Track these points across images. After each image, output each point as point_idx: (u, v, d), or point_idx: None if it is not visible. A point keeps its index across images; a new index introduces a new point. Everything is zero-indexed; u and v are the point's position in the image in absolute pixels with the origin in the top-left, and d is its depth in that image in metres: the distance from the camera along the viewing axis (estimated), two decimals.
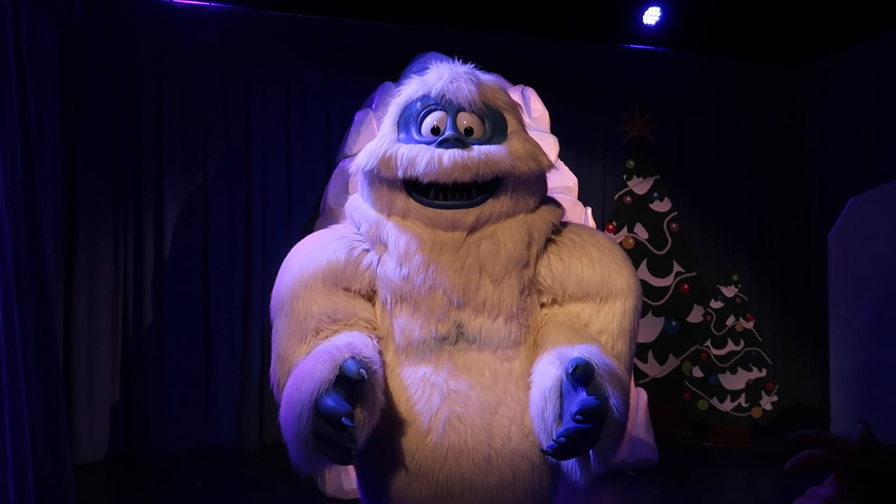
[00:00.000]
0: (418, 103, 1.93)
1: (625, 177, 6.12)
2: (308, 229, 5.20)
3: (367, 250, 1.89)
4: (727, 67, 6.43)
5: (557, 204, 2.01)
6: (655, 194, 6.05)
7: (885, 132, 5.68)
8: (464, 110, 1.89)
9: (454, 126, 1.87)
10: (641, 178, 6.09)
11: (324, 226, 4.53)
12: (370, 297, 1.89)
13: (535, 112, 4.87)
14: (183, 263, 5.16)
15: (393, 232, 1.84)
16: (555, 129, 4.97)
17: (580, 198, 4.97)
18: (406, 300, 1.82)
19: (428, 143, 1.84)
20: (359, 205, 1.96)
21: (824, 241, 4.56)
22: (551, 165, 1.98)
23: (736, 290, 5.53)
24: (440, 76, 1.92)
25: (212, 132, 5.25)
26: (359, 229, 1.93)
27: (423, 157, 1.78)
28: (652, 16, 5.70)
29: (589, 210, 4.92)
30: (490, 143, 1.86)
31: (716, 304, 5.52)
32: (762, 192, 6.59)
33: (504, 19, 5.62)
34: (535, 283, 1.88)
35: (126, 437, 5.01)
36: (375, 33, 5.51)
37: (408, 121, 1.94)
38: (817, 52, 6.26)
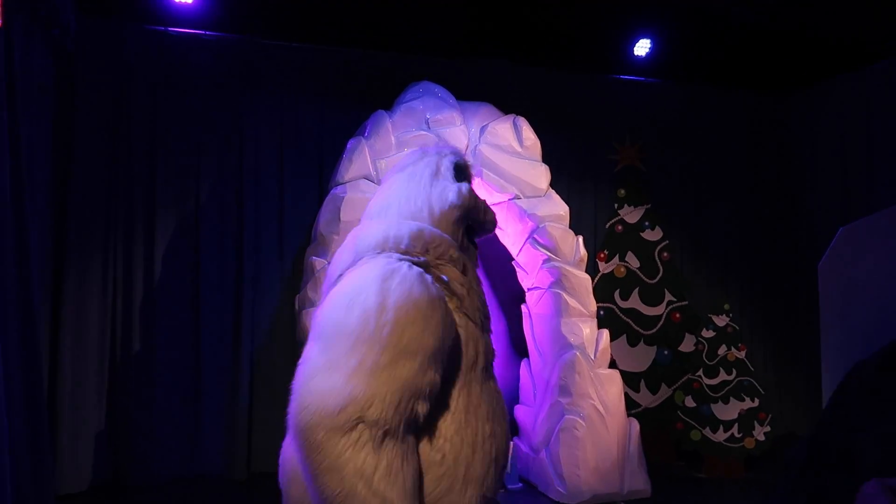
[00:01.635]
0: (465, 168, 2.41)
1: (616, 206, 6.15)
2: (300, 257, 5.20)
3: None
4: (716, 98, 6.51)
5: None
6: (647, 223, 6.08)
7: (873, 161, 5.73)
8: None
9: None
10: (633, 207, 6.12)
11: (315, 253, 4.55)
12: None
13: (526, 141, 4.91)
14: (173, 290, 5.13)
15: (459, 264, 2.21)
16: (546, 158, 5.01)
17: (571, 226, 4.98)
18: (486, 319, 2.18)
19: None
20: (438, 235, 2.17)
21: (814, 271, 4.58)
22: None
23: (727, 319, 5.52)
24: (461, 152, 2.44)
25: (204, 159, 5.26)
26: (421, 258, 2.09)
27: (490, 209, 2.44)
28: (642, 47, 5.78)
29: (580, 239, 4.93)
30: None
31: (707, 334, 5.51)
32: (752, 221, 6.63)
33: (496, 49, 5.69)
34: None
35: (112, 466, 4.92)
36: (368, 62, 5.57)
37: (461, 178, 2.38)
38: (805, 83, 6.35)
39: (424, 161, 2.23)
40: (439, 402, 1.92)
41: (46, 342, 4.64)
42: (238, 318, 5.21)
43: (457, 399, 1.97)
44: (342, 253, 2.11)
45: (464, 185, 2.26)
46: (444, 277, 2.05)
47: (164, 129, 5.15)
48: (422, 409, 1.81)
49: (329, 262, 2.17)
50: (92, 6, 4.82)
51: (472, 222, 2.22)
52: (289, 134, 5.43)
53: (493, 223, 2.29)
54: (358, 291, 1.88)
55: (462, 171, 2.34)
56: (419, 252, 2.05)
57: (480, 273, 2.39)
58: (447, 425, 1.93)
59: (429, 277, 1.92)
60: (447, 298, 2.00)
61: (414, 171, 2.18)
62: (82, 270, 4.91)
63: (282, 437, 5.04)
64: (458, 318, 2.04)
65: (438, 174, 2.19)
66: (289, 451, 2.06)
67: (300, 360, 1.89)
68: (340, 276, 2.02)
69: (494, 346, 2.30)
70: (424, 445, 1.89)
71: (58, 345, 4.75)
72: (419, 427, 1.82)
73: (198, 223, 5.22)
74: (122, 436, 4.94)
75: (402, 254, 2.00)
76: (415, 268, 1.96)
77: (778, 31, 5.37)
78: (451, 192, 2.10)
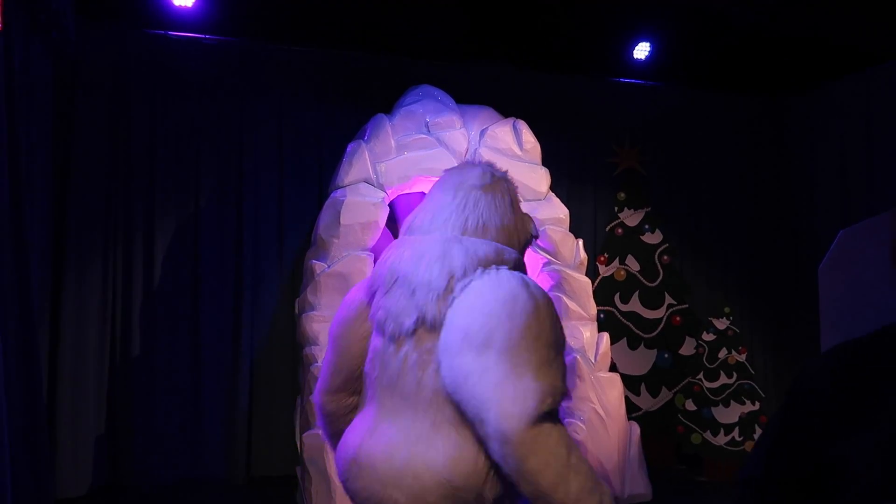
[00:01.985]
0: None
1: (616, 209, 6.15)
2: (299, 260, 5.19)
3: None
4: (716, 101, 6.51)
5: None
6: (647, 226, 6.07)
7: (872, 164, 5.73)
8: None
9: None
10: (633, 210, 6.12)
11: (314, 256, 4.55)
12: None
13: (526, 144, 4.91)
14: (172, 294, 5.12)
15: None
16: (546, 162, 5.00)
17: (571, 230, 4.97)
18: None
19: None
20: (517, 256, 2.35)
21: (815, 273, 4.58)
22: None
23: (728, 322, 5.52)
24: None
25: (204, 162, 5.26)
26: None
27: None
28: (642, 51, 5.78)
29: (580, 242, 4.93)
30: None
31: (708, 337, 5.51)
32: (752, 224, 6.63)
33: (496, 52, 5.69)
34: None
35: (111, 470, 4.91)
36: (368, 65, 5.57)
37: None
38: (805, 86, 6.35)
39: (501, 187, 2.37)
40: None
41: (46, 345, 4.63)
42: (237, 322, 5.20)
43: None
44: (442, 262, 2.13)
45: (535, 219, 2.53)
46: None
47: (163, 132, 5.15)
48: None
49: (393, 265, 2.18)
50: (91, 10, 4.82)
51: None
52: (288, 137, 5.43)
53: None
54: (512, 299, 2.00)
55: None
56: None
57: None
58: None
59: None
60: None
61: (494, 196, 2.31)
62: (82, 273, 4.90)
63: (281, 440, 5.07)
64: None
65: (514, 204, 2.38)
66: (350, 451, 2.11)
67: (466, 374, 1.92)
68: (449, 283, 2.08)
69: None
70: None
71: (57, 348, 4.75)
72: None
73: (197, 226, 5.22)
74: (122, 439, 4.93)
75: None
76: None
77: (777, 35, 5.37)
78: (529, 225, 2.34)
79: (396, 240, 2.36)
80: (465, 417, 1.95)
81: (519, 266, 2.23)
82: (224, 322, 5.20)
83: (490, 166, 2.46)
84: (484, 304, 2.00)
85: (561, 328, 2.02)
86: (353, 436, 2.14)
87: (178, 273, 5.16)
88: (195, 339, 5.17)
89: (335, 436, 2.32)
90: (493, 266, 2.14)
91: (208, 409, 5.16)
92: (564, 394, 1.96)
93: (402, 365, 2.09)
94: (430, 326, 2.06)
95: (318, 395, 2.36)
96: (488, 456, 1.90)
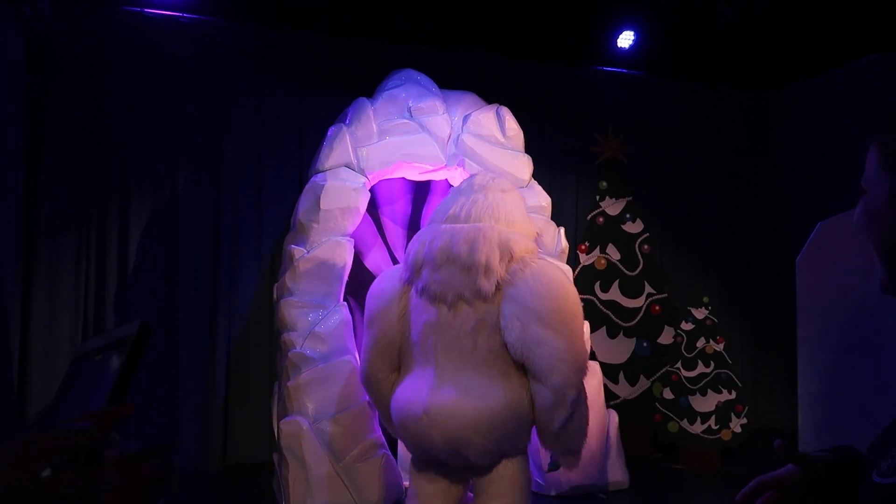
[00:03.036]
0: None
1: (597, 197, 6.14)
2: (278, 245, 5.12)
3: None
4: (699, 92, 6.53)
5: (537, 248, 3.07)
6: (628, 215, 6.08)
7: (850, 158, 5.78)
8: None
9: None
10: (614, 199, 6.12)
11: (294, 241, 4.49)
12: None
13: (509, 131, 4.86)
14: (148, 280, 5.03)
15: None
16: (528, 149, 4.97)
17: (553, 218, 4.96)
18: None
19: None
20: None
21: (793, 265, 4.61)
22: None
23: (706, 312, 5.55)
24: None
25: (181, 145, 5.15)
26: None
27: None
28: (626, 39, 5.76)
29: (562, 230, 4.91)
30: None
31: (687, 326, 5.54)
32: (731, 215, 6.67)
33: (479, 39, 5.64)
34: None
35: None
36: (350, 49, 5.49)
37: None
38: (786, 79, 6.39)
39: (517, 193, 3.00)
40: None
41: (17, 335, 4.53)
42: (215, 307, 5.13)
43: None
44: (486, 244, 2.66)
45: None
46: None
47: (139, 113, 5.03)
48: None
49: (440, 246, 2.72)
50: None
51: None
52: (269, 120, 5.35)
53: None
54: (561, 285, 2.71)
55: None
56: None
57: None
58: None
59: None
60: None
61: (514, 199, 2.91)
62: (54, 259, 4.80)
63: (258, 427, 5.02)
64: None
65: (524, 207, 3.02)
66: (418, 408, 2.66)
67: (538, 342, 2.58)
68: (503, 264, 2.67)
69: None
70: None
71: (28, 338, 4.65)
72: None
73: (174, 211, 5.12)
74: None
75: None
76: None
77: (760, 27, 5.38)
78: (534, 225, 2.98)
79: (436, 226, 2.84)
80: (514, 370, 2.65)
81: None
82: (201, 307, 5.12)
83: (504, 176, 3.18)
84: (547, 288, 2.65)
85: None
86: (415, 395, 2.68)
87: (154, 258, 5.06)
88: (171, 324, 5.09)
89: (385, 406, 2.90)
90: (533, 254, 2.77)
91: (184, 395, 5.09)
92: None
93: (459, 330, 2.64)
94: (484, 298, 2.63)
95: (365, 377, 2.91)
96: (529, 396, 2.66)
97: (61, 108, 4.82)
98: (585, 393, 2.76)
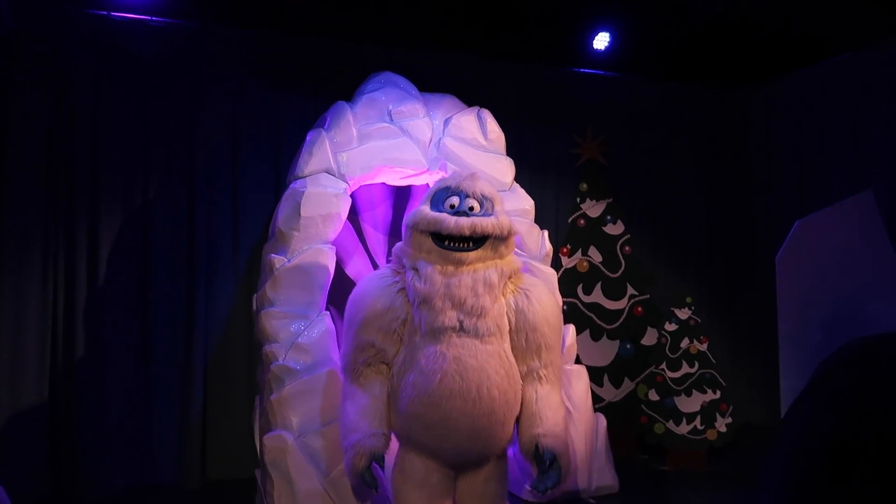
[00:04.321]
0: (444, 191, 3.25)
1: (578, 199, 6.12)
2: (256, 254, 4.98)
3: (402, 288, 3.18)
4: (675, 92, 6.54)
5: (518, 259, 3.37)
6: (608, 217, 6.06)
7: (827, 155, 5.84)
8: (469, 196, 3.21)
9: (463, 204, 3.19)
10: (595, 201, 6.10)
11: (273, 250, 4.36)
12: (399, 332, 3.17)
13: (491, 134, 4.81)
14: (119, 291, 4.84)
15: (421, 263, 3.14)
16: (509, 152, 4.92)
17: (535, 221, 4.90)
18: (427, 302, 3.06)
19: (448, 214, 3.14)
20: (402, 245, 3.31)
21: (772, 263, 4.63)
22: (516, 232, 3.31)
23: (689, 312, 5.55)
24: (459, 176, 3.29)
25: (152, 152, 4.98)
26: (399, 262, 3.27)
27: (447, 220, 3.09)
28: (601, 41, 5.74)
29: (545, 233, 4.87)
30: (483, 217, 3.15)
31: (670, 327, 5.53)
32: (711, 214, 6.70)
33: (457, 41, 5.57)
34: (502, 303, 3.18)
35: (54, 479, 4.62)
36: (328, 51, 5.37)
37: (437, 201, 3.23)
38: (762, 78, 6.44)
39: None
40: None
41: None
42: (191, 320, 4.95)
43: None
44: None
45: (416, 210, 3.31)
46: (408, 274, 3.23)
47: (107, 119, 4.85)
48: None
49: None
50: None
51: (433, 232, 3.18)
52: (243, 125, 5.19)
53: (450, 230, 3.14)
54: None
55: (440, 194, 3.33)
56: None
57: None
58: None
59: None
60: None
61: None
62: (18, 270, 4.60)
63: (238, 442, 4.87)
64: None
65: (422, 201, 3.30)
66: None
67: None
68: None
69: None
70: None
71: None
72: None
73: (146, 219, 4.95)
74: (66, 445, 4.65)
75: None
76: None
77: (735, 26, 5.40)
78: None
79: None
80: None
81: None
82: (176, 320, 4.95)
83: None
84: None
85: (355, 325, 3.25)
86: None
87: (126, 269, 4.88)
88: (145, 338, 4.91)
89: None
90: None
91: (160, 411, 4.92)
92: None
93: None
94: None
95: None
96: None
97: (24, 114, 4.62)
98: (343, 392, 3.36)
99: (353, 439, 3.09)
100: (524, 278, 3.33)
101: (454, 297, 3.04)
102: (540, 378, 3.21)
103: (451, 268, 3.09)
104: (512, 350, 3.18)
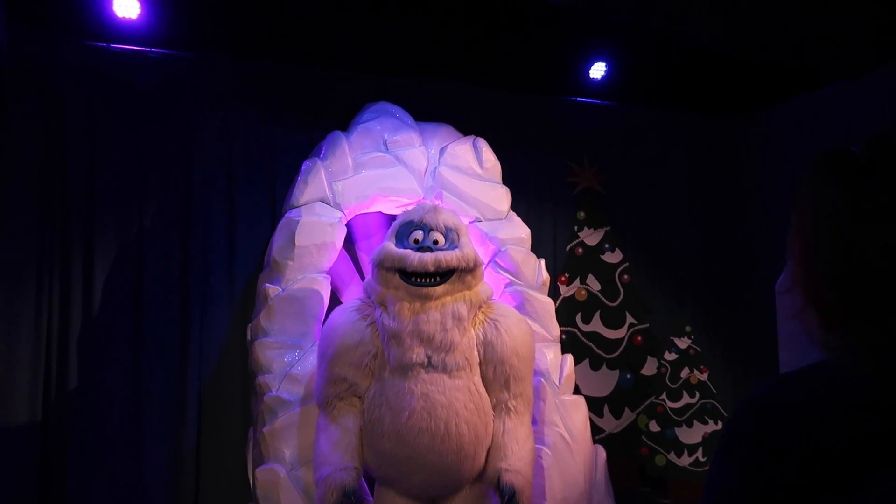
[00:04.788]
0: (407, 225, 3.33)
1: (576, 228, 6.10)
2: (251, 284, 4.95)
3: (372, 322, 3.25)
4: (671, 121, 6.56)
5: (487, 287, 3.47)
6: (606, 245, 6.04)
7: None
8: (433, 229, 3.28)
9: (427, 239, 3.28)
10: (592, 230, 6.08)
11: (268, 280, 4.33)
12: (371, 366, 3.21)
13: (486, 163, 4.81)
14: (113, 320, 4.80)
15: (389, 299, 3.20)
16: (505, 180, 4.92)
17: (532, 249, 4.88)
18: (396, 338, 3.10)
19: (413, 249, 3.21)
20: (370, 282, 3.37)
21: (772, 292, 4.60)
22: (482, 262, 3.43)
23: (689, 341, 5.50)
24: (422, 210, 3.35)
25: (148, 181, 4.97)
26: (369, 297, 3.34)
27: (411, 257, 3.15)
28: (598, 70, 5.79)
29: (542, 262, 4.84)
30: (447, 251, 3.23)
31: (670, 356, 5.48)
32: (708, 242, 6.66)
33: (453, 70, 5.61)
34: (471, 335, 3.24)
35: None
36: (323, 81, 5.40)
37: (401, 236, 3.31)
38: (757, 106, 6.46)
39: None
40: None
41: None
42: (185, 350, 4.90)
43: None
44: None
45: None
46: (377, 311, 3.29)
47: (104, 148, 4.85)
48: None
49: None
50: (27, 19, 4.54)
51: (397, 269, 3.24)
52: (239, 155, 5.19)
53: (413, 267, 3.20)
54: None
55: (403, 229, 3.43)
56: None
57: None
58: None
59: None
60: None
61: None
62: (12, 300, 4.56)
63: (231, 475, 4.78)
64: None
65: (388, 236, 3.47)
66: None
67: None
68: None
69: None
70: None
71: None
72: None
73: (141, 249, 4.92)
74: (56, 477, 4.56)
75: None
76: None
77: (728, 56, 5.45)
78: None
79: None
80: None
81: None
82: (169, 350, 4.89)
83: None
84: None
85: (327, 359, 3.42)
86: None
87: (120, 298, 4.84)
88: (137, 368, 4.85)
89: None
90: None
91: (152, 443, 4.83)
92: None
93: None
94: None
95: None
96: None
97: (20, 142, 4.63)
98: (317, 425, 3.39)
99: (324, 473, 3.12)
100: (494, 307, 3.37)
101: (422, 333, 3.09)
102: (508, 410, 3.23)
103: (418, 304, 3.14)
104: (483, 382, 3.20)
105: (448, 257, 3.16)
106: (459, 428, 3.05)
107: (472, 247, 3.33)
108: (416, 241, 3.27)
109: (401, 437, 3.06)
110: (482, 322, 3.26)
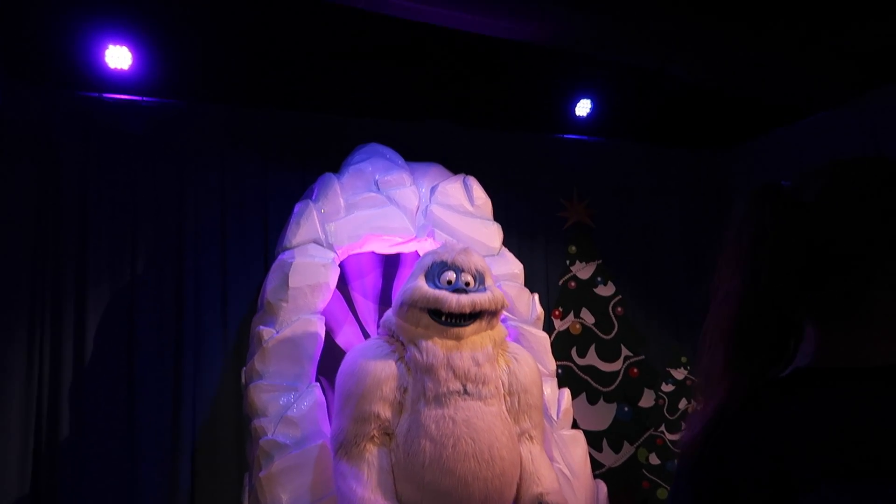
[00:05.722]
0: (440, 265, 3.41)
1: (568, 262, 6.14)
2: (245, 328, 4.93)
3: (400, 357, 3.37)
4: (657, 154, 6.66)
5: (504, 327, 3.66)
6: (599, 279, 6.07)
7: None
8: (464, 271, 3.40)
9: (459, 280, 3.40)
10: (584, 263, 6.11)
11: (262, 322, 4.32)
12: (402, 400, 3.29)
13: (477, 200, 4.86)
14: (106, 368, 4.76)
15: (421, 339, 3.33)
16: (496, 217, 4.96)
17: (525, 285, 4.90)
18: (430, 372, 3.23)
19: (446, 290, 3.33)
20: (395, 319, 3.46)
21: None
22: (507, 304, 3.63)
23: (685, 372, 5.49)
24: (453, 251, 3.47)
25: (141, 227, 4.99)
26: (390, 334, 3.47)
27: (449, 299, 3.28)
28: (583, 108, 5.90)
29: (536, 296, 4.85)
30: (480, 293, 3.37)
31: (667, 388, 5.47)
32: (699, 272, 6.70)
33: (441, 110, 5.71)
34: (497, 369, 3.42)
35: None
36: (314, 124, 5.47)
37: (432, 275, 3.40)
38: (741, 139, 6.58)
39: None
40: None
41: None
42: (178, 396, 4.86)
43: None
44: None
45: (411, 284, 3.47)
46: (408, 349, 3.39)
47: (96, 196, 4.88)
48: None
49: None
50: (18, 70, 4.60)
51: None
52: (231, 199, 5.23)
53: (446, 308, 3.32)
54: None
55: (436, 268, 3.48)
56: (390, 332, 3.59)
57: None
58: None
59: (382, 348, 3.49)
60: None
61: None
62: (3, 350, 4.53)
63: None
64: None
65: (415, 274, 3.51)
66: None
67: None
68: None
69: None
70: None
71: None
72: None
73: (133, 295, 4.92)
74: None
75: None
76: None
77: (712, 91, 5.57)
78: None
79: None
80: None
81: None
82: (163, 396, 4.85)
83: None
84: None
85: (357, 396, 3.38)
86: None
87: (113, 345, 4.81)
88: (131, 416, 4.80)
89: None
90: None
91: (146, 490, 4.75)
92: None
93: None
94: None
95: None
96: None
97: (11, 191, 4.66)
98: (340, 471, 3.22)
99: None
100: (509, 345, 3.58)
101: (457, 368, 3.21)
102: (531, 438, 3.36)
103: (450, 342, 3.28)
104: (507, 412, 3.33)
105: (482, 300, 3.30)
106: (500, 452, 3.12)
107: (499, 290, 3.48)
108: (450, 282, 3.37)
109: (445, 466, 3.06)
110: (502, 355, 3.44)
